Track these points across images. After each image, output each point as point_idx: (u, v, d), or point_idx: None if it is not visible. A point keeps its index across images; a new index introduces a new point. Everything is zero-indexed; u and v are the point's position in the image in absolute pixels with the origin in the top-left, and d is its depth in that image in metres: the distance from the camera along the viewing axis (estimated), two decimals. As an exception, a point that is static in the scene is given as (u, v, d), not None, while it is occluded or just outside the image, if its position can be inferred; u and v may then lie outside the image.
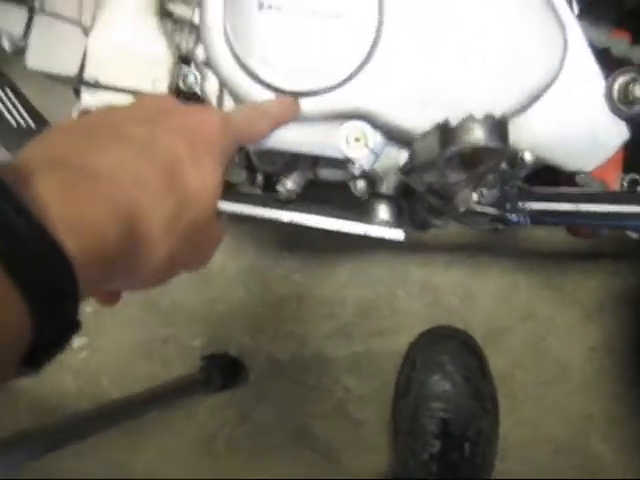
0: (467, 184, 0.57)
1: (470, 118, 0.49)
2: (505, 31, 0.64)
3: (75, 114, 0.61)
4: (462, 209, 0.59)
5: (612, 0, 0.75)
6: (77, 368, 1.24)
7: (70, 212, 0.34)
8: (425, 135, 0.57)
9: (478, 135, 0.48)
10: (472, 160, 0.52)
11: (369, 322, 1.21)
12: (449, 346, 1.14)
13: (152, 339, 1.23)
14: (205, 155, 0.46)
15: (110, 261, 0.37)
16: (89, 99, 0.68)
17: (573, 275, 1.18)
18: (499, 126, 0.49)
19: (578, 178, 0.70)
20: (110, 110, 0.49)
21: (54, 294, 0.32)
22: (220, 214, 0.51)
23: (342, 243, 1.14)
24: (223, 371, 1.13)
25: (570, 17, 0.66)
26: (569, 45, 0.66)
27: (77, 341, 1.23)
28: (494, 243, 1.19)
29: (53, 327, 0.32)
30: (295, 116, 0.64)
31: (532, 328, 1.20)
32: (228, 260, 1.20)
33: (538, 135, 0.67)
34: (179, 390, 1.07)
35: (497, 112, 0.63)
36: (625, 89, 0.68)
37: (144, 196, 0.40)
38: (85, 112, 0.60)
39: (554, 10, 0.66)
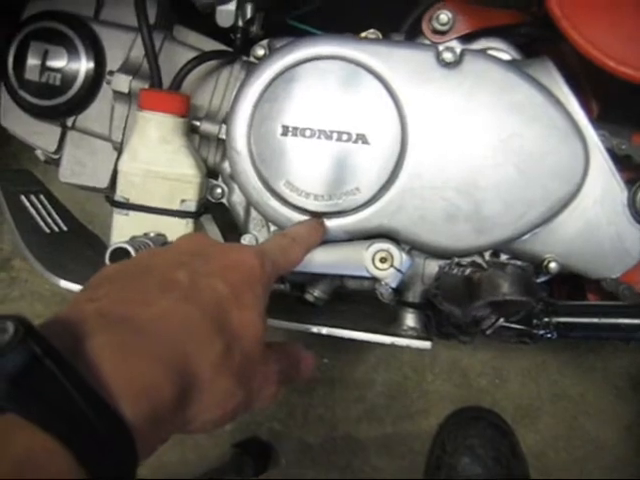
0: (494, 314, 0.58)
1: (495, 272, 0.49)
2: (525, 146, 0.65)
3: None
4: (489, 332, 0.60)
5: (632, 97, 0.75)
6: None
7: (126, 378, 0.35)
8: (451, 275, 0.58)
9: (504, 290, 0.48)
10: (499, 305, 0.52)
11: (398, 404, 1.20)
12: (478, 428, 1.13)
13: (183, 424, 1.22)
14: (247, 292, 0.47)
15: (166, 418, 0.37)
16: (121, 220, 0.70)
17: (602, 354, 1.17)
18: (525, 280, 0.49)
19: (604, 283, 0.70)
20: (151, 255, 0.49)
21: (114, 466, 0.32)
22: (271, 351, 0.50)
23: (369, 326, 1.14)
24: (255, 458, 1.13)
25: (590, 129, 0.68)
26: (590, 157, 0.67)
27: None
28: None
29: None
30: (323, 236, 0.66)
31: (563, 407, 1.18)
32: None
33: (564, 244, 0.68)
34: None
35: (522, 225, 0.65)
36: (647, 199, 0.68)
37: (193, 342, 0.41)
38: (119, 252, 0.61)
39: (574, 123, 0.67)
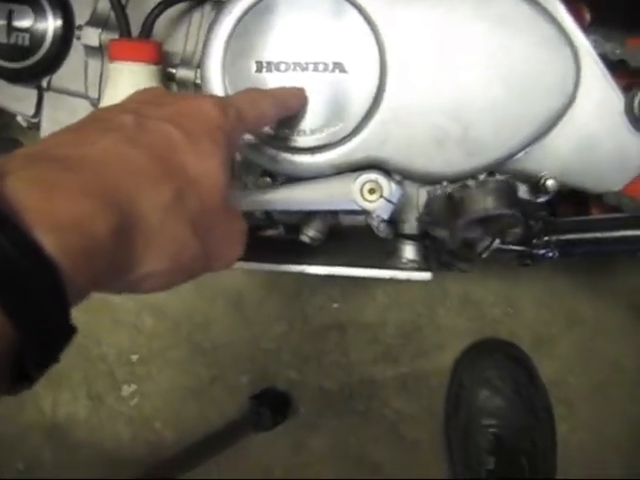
0: (487, 234, 0.56)
1: (476, 188, 0.47)
2: (513, 60, 0.62)
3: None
4: (485, 255, 0.58)
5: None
6: (129, 415, 1.25)
7: (50, 210, 0.31)
8: (435, 198, 0.56)
9: (486, 205, 0.46)
10: (486, 221, 0.50)
11: (413, 342, 1.19)
12: (495, 360, 1.12)
13: (199, 380, 1.23)
14: (204, 137, 0.43)
15: (103, 258, 0.34)
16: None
17: (616, 275, 1.15)
18: (507, 192, 0.47)
19: (606, 197, 0.68)
20: (103, 108, 0.45)
21: (37, 302, 0.29)
22: (235, 205, 0.47)
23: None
24: (272, 409, 1.13)
25: (580, 36, 0.64)
26: (582, 65, 0.64)
27: (127, 389, 1.25)
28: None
29: (41, 336, 0.30)
30: (302, 103, 0.62)
31: (580, 331, 1.17)
32: (267, 296, 1.20)
33: (561, 159, 0.65)
34: (231, 435, 1.07)
35: (514, 144, 0.63)
36: (646, 104, 0.65)
37: (136, 184, 0.37)
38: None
39: (563, 31, 0.63)
